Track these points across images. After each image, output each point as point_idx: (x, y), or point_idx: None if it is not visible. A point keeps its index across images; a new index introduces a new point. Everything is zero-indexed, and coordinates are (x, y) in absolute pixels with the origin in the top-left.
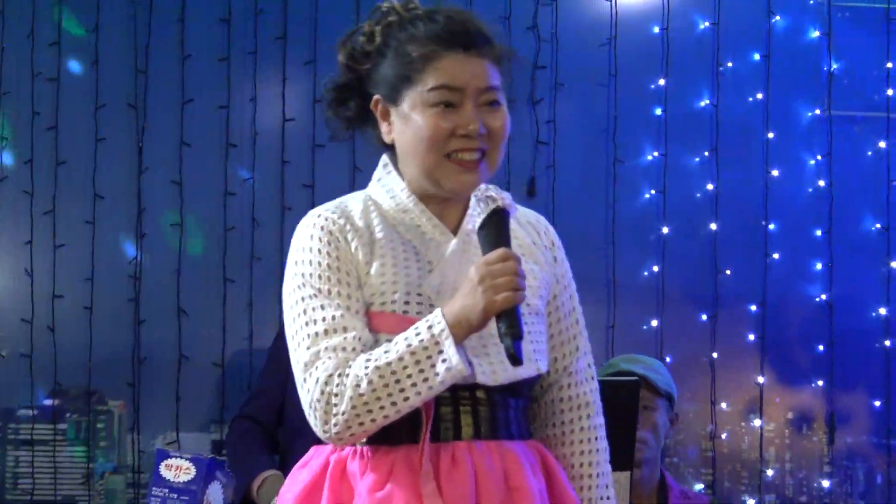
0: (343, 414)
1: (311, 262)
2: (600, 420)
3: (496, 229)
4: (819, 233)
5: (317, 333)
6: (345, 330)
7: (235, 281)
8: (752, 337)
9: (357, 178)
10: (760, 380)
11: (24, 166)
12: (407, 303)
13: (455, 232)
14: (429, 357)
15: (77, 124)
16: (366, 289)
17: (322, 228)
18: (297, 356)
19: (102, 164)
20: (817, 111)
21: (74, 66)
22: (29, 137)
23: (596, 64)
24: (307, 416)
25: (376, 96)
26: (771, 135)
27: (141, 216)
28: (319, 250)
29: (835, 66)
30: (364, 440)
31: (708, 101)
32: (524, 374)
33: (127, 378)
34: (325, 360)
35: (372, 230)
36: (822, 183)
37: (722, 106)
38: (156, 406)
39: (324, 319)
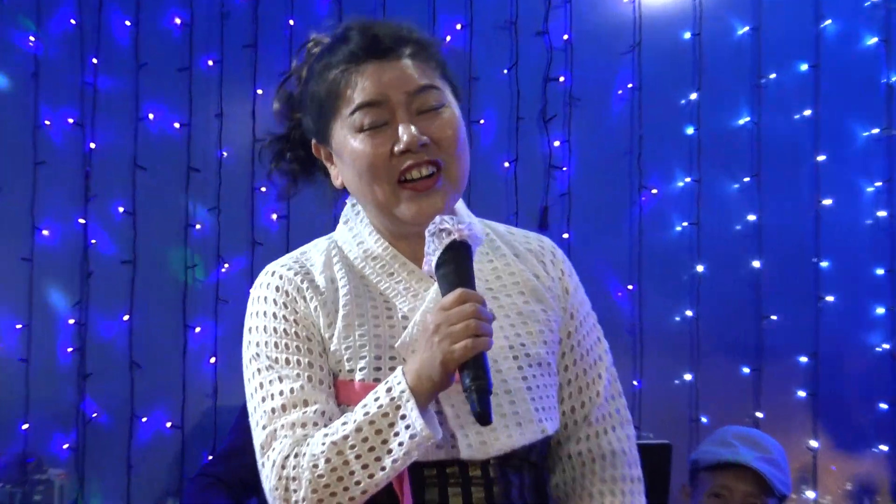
0: (304, 500)
1: (265, 329)
2: (633, 472)
3: (453, 267)
4: (880, 271)
5: (273, 410)
6: (305, 404)
7: (198, 328)
8: (802, 394)
9: (338, 207)
10: (813, 444)
11: None
12: (378, 368)
13: None
14: (390, 424)
15: (14, 145)
16: (331, 355)
17: (277, 289)
18: (256, 437)
19: (42, 192)
20: (875, 130)
21: (6, 78)
22: None
23: (617, 75)
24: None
25: (313, 141)
26: (822, 157)
27: (87, 252)
28: (274, 314)
29: (895, 77)
30: None
31: (748, 119)
32: (523, 441)
33: (70, 442)
34: (282, 440)
35: (336, 285)
36: (882, 213)
37: (764, 124)
38: (104, 475)
39: (281, 394)
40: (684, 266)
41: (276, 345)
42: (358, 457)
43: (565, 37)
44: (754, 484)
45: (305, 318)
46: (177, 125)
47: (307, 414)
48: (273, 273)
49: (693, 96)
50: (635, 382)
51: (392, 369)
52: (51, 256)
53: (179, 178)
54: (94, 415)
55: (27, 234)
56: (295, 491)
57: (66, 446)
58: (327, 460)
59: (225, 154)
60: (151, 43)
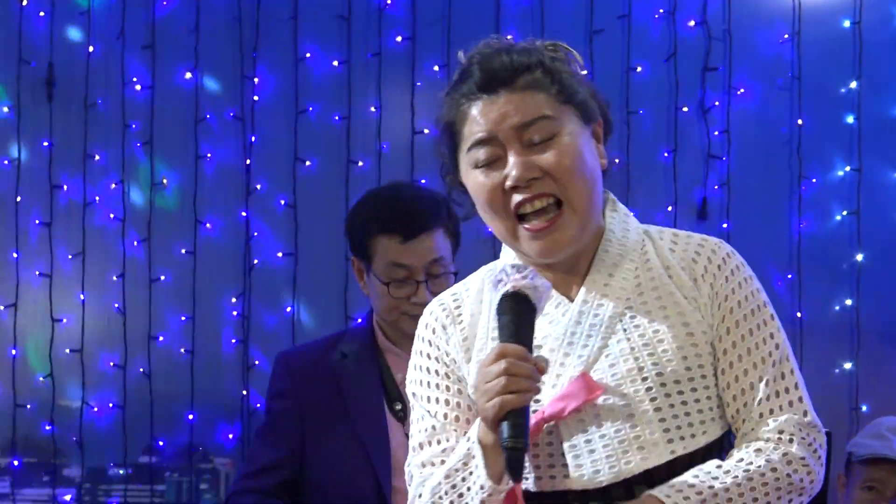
0: None
1: (414, 366)
2: (787, 459)
3: (507, 318)
4: None
5: (413, 448)
6: (439, 443)
7: (360, 319)
8: None
9: None
10: None
11: (115, 188)
12: None
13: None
14: (469, 473)
15: (175, 140)
16: (468, 388)
17: (426, 326)
18: (409, 461)
19: (205, 185)
20: None
21: (175, 71)
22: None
23: (776, 64)
24: None
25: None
26: None
27: (249, 245)
28: (420, 351)
29: None
30: None
31: None
32: (645, 465)
33: (235, 431)
34: (415, 478)
35: (480, 315)
36: None
37: None
38: None
39: (419, 432)
40: (844, 255)
41: (419, 382)
42: (440, 498)
43: (724, 27)
44: None
45: (446, 354)
46: (336, 118)
47: (435, 452)
48: (429, 311)
49: (853, 85)
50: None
51: None
52: (214, 250)
53: (340, 171)
54: (258, 405)
55: (190, 227)
56: None
57: (231, 436)
58: (420, 495)
59: (384, 146)
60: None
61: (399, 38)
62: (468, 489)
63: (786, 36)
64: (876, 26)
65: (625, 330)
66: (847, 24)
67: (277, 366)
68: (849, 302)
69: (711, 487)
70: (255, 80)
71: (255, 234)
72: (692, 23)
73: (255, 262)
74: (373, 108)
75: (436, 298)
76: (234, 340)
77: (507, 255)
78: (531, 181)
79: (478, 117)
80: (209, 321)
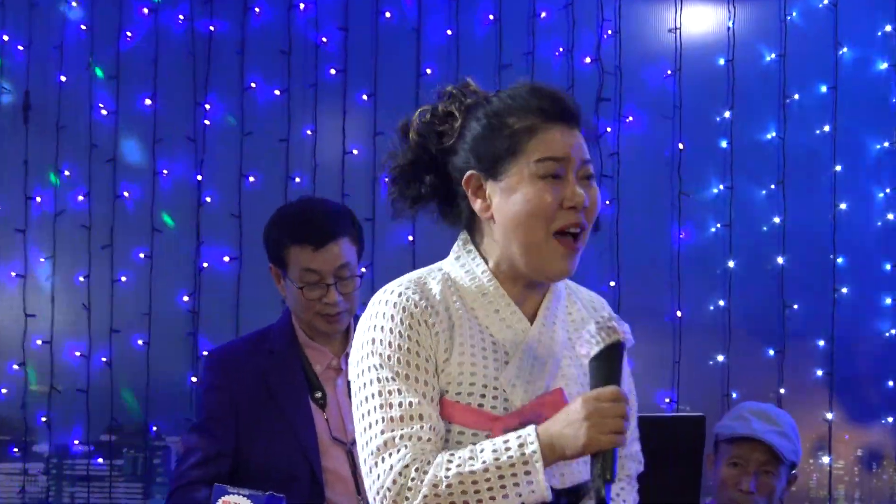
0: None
1: (390, 344)
2: (630, 495)
3: (610, 364)
4: (888, 267)
5: (392, 418)
6: (420, 418)
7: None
8: (820, 373)
9: (419, 214)
10: (829, 416)
11: (82, 200)
12: (483, 395)
13: (532, 320)
14: (514, 475)
15: (135, 157)
16: (442, 376)
17: (404, 309)
18: (369, 438)
19: (161, 198)
20: (886, 143)
21: (137, 97)
22: (87, 172)
23: (660, 96)
24: (370, 499)
25: (470, 172)
26: (839, 167)
27: (199, 250)
28: (400, 332)
29: None
30: None
31: (774, 134)
32: (584, 477)
33: (184, 413)
34: (402, 449)
35: (451, 314)
36: (890, 216)
37: (789, 138)
38: None
39: (400, 405)
40: (718, 262)
41: (398, 360)
42: (476, 491)
43: (615, 63)
44: (767, 454)
45: (426, 340)
46: (279, 141)
47: (423, 429)
48: (400, 294)
49: (727, 114)
50: (676, 362)
51: (494, 398)
52: (169, 253)
53: (279, 185)
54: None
55: (148, 234)
56: (407, 499)
57: (181, 418)
58: (449, 485)
59: (318, 164)
60: (255, 69)
61: (333, 71)
62: (514, 486)
63: (669, 72)
64: (747, 63)
65: (570, 357)
66: (722, 61)
67: (210, 363)
68: (722, 303)
69: None
70: (207, 106)
71: (205, 240)
72: (588, 59)
73: (205, 265)
74: (309, 132)
75: (399, 285)
76: (185, 333)
77: (471, 262)
78: (584, 208)
79: (558, 137)
80: (164, 316)
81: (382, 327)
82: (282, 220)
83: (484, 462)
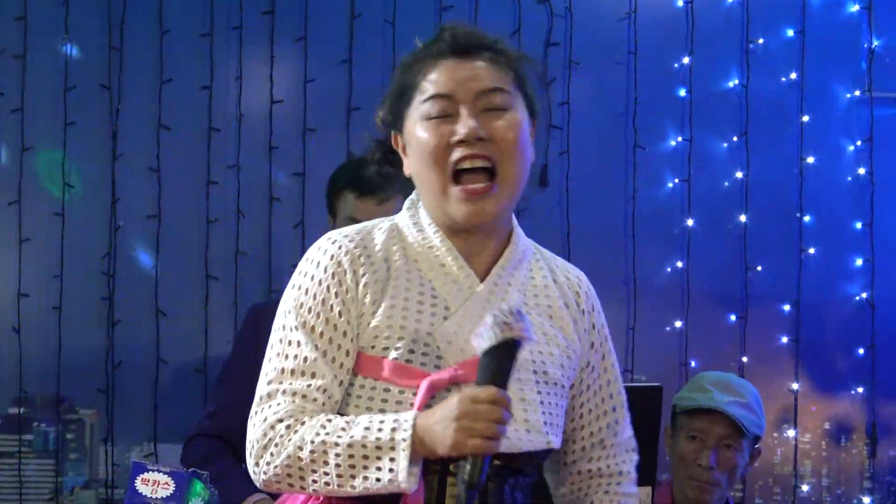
0: (275, 467)
1: (307, 291)
2: (632, 490)
3: (499, 362)
4: (859, 225)
5: (283, 370)
6: (312, 376)
7: (218, 278)
8: (785, 339)
9: None
10: (795, 386)
11: None
12: (412, 351)
13: (483, 277)
14: (378, 458)
15: (45, 107)
16: (368, 330)
17: (332, 258)
18: (259, 384)
19: (73, 151)
20: (857, 92)
21: (42, 42)
22: None
23: (614, 41)
24: (246, 448)
25: (392, 133)
26: (806, 118)
27: (115, 207)
28: (321, 281)
29: (876, 42)
30: None
31: (737, 82)
32: (531, 447)
33: (100, 384)
34: (281, 402)
35: (390, 265)
36: (861, 171)
37: (752, 87)
38: (131, 415)
39: (295, 357)
40: (676, 220)
41: (310, 310)
42: (338, 465)
43: (565, 5)
44: (728, 427)
45: (347, 293)
46: (199, 87)
47: (311, 387)
48: (334, 241)
49: (685, 60)
50: (631, 329)
51: (425, 355)
52: (81, 211)
53: (202, 138)
54: (121, 360)
55: (59, 190)
56: (272, 455)
57: (96, 389)
58: (312, 451)
59: (244, 115)
60: (174, 10)
61: (260, 13)
62: (367, 472)
63: (624, 14)
64: (707, 5)
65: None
66: (680, 3)
67: (247, 316)
68: (680, 264)
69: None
70: (122, 51)
71: (120, 197)
72: (536, 1)
73: (121, 223)
74: (234, 79)
75: (338, 231)
76: (99, 298)
77: (419, 212)
78: (478, 140)
79: (441, 74)
80: (76, 279)
81: (306, 273)
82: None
83: (352, 437)
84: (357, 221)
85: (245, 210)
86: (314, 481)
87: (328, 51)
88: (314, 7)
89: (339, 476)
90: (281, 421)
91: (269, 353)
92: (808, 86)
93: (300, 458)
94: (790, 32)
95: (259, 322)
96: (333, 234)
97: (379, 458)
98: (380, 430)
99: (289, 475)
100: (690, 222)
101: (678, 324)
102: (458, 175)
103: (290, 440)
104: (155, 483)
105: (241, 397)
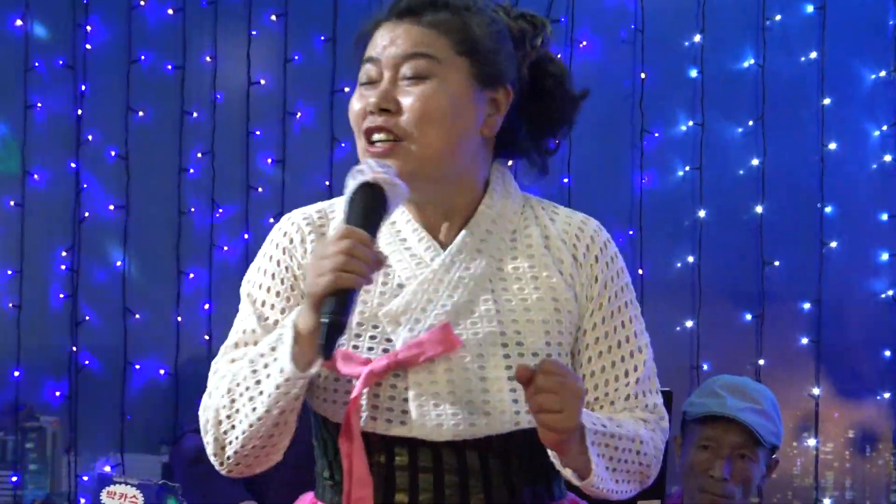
0: (210, 427)
1: (258, 269)
2: (647, 434)
3: (356, 206)
4: (885, 217)
5: (228, 345)
6: (255, 344)
7: (192, 275)
8: (805, 340)
9: (336, 152)
10: (815, 391)
11: None
12: (359, 335)
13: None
14: (270, 357)
15: (2, 88)
16: None
17: (285, 234)
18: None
19: (34, 136)
20: (882, 73)
21: (4, 17)
22: None
23: (619, 16)
24: None
25: None
26: (827, 101)
27: (79, 197)
28: (271, 256)
29: None
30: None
31: (752, 62)
32: (489, 431)
33: (62, 389)
34: (221, 371)
35: None
36: (887, 158)
37: (769, 67)
38: (97, 422)
39: (243, 332)
40: (686, 212)
41: (259, 286)
42: (247, 388)
43: None
44: (743, 435)
45: (297, 268)
46: (169, 67)
47: (249, 352)
48: (289, 219)
49: (697, 38)
50: (637, 304)
51: (372, 338)
52: (42, 202)
53: (173, 122)
54: (87, 362)
55: (18, 178)
56: (207, 420)
57: (58, 394)
58: (228, 390)
59: (219, 97)
60: None
61: None
62: (268, 376)
63: None
64: None
65: (493, 291)
66: None
67: None
68: (690, 259)
69: (606, 426)
70: (88, 27)
71: (86, 185)
72: None
73: (86, 214)
74: (208, 58)
75: (299, 210)
76: (62, 295)
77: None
78: (383, 112)
79: (376, 38)
80: (37, 275)
81: (263, 251)
82: None
83: (248, 355)
84: None
85: (220, 200)
86: (239, 422)
87: (310, 27)
88: None
89: (250, 399)
90: (214, 374)
91: (233, 328)
92: (830, 66)
93: (222, 400)
94: (810, 8)
95: None
96: (294, 213)
97: (276, 360)
98: (272, 334)
99: (224, 432)
100: (702, 213)
101: (689, 323)
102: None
103: (212, 394)
104: (122, 497)
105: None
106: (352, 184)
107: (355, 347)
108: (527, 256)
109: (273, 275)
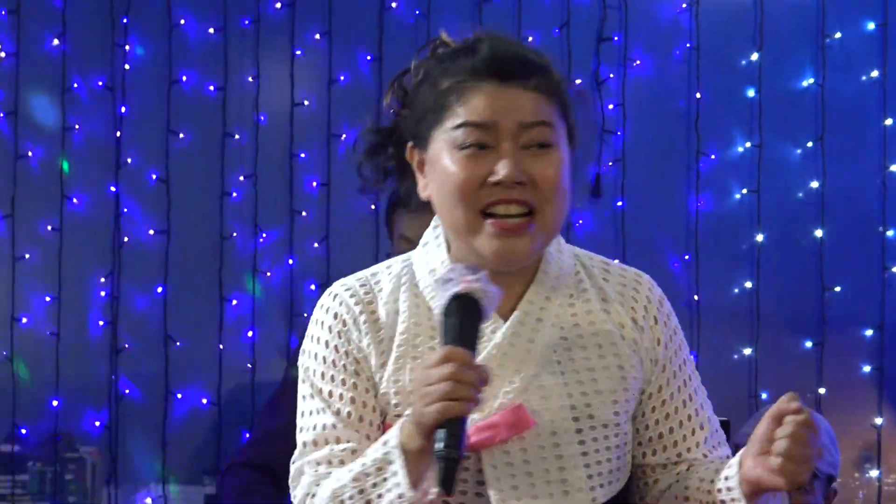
0: None
1: (315, 356)
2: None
3: (453, 321)
4: None
5: (304, 444)
6: (336, 441)
7: (234, 301)
8: (867, 368)
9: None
10: (878, 421)
11: None
12: None
13: (508, 318)
14: (383, 479)
15: (43, 107)
16: (380, 396)
17: (336, 316)
18: (292, 465)
19: (73, 159)
20: None
21: (42, 37)
22: None
23: (674, 34)
24: None
25: (409, 144)
26: (889, 121)
27: (119, 221)
28: (327, 342)
29: None
30: None
31: (812, 81)
32: None
33: (102, 419)
34: (306, 476)
35: (396, 318)
36: None
37: (829, 86)
38: (138, 453)
39: (314, 428)
40: (744, 235)
41: (322, 375)
42: None
43: None
44: None
45: (358, 351)
46: (211, 88)
47: (334, 451)
48: (335, 297)
49: (754, 57)
50: (691, 357)
51: None
52: (81, 226)
53: (215, 144)
54: (127, 391)
55: (57, 202)
56: None
57: (98, 423)
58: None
59: (262, 118)
60: (184, 3)
61: (278, 5)
62: (379, 496)
63: (684, 5)
64: None
65: (559, 362)
66: None
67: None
68: (748, 284)
69: None
70: (126, 47)
71: (125, 210)
72: None
73: (126, 239)
74: (251, 79)
75: (341, 284)
76: (101, 322)
77: (435, 249)
78: (517, 185)
79: (481, 99)
80: (76, 302)
81: (312, 336)
82: None
83: (351, 471)
84: (409, 241)
85: (263, 225)
86: None
87: (355, 47)
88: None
89: None
90: (307, 495)
91: (298, 424)
92: (892, 85)
93: None
94: (871, 25)
95: None
96: (335, 289)
97: (385, 480)
98: (375, 450)
99: None
100: (760, 237)
101: (747, 351)
102: (487, 211)
103: None
104: None
105: (288, 422)
106: (441, 295)
107: None
108: (588, 322)
109: (333, 362)
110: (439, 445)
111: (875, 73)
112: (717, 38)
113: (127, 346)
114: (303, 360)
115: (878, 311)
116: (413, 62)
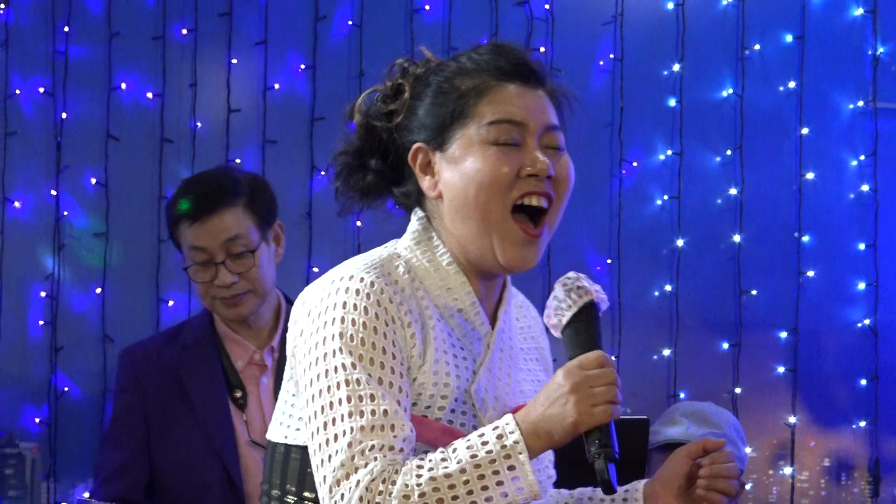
0: None
1: (363, 341)
2: None
3: (587, 326)
4: (862, 246)
5: (362, 427)
6: (393, 428)
7: (171, 302)
8: (781, 369)
9: (315, 180)
10: (792, 420)
11: None
12: (453, 411)
13: (492, 323)
14: (495, 472)
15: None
16: (415, 386)
17: (378, 303)
18: (334, 450)
19: (13, 164)
20: (860, 103)
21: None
22: None
23: (598, 46)
24: None
25: (417, 145)
26: (805, 130)
27: (59, 224)
28: (375, 329)
29: (881, 49)
30: None
31: (731, 91)
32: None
33: (42, 416)
34: (370, 462)
35: (422, 311)
36: (865, 187)
37: (747, 96)
38: (76, 449)
39: (373, 413)
40: (664, 240)
41: (371, 361)
42: (455, 497)
43: (546, 6)
44: None
45: (403, 341)
46: (150, 95)
47: (397, 439)
48: (372, 284)
49: (675, 67)
50: (613, 357)
51: (464, 413)
52: (22, 228)
53: (153, 150)
54: (66, 389)
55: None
56: None
57: (37, 420)
58: (422, 493)
59: (199, 125)
60: (124, 11)
61: (216, 14)
62: (497, 485)
63: (609, 17)
64: (699, 8)
65: (525, 370)
66: (671, 5)
67: (120, 364)
68: (668, 288)
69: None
70: (67, 55)
71: (66, 213)
72: (514, 3)
73: (65, 242)
74: (188, 86)
75: (368, 271)
76: (41, 322)
77: (416, 254)
78: (547, 178)
79: (514, 98)
80: (15, 303)
81: (353, 320)
82: (173, 194)
83: (459, 462)
84: (200, 250)
85: None
86: None
87: (290, 56)
88: (275, 9)
89: None
90: (374, 480)
91: (332, 412)
92: (808, 96)
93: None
94: (789, 38)
95: (137, 370)
96: (354, 272)
97: (497, 473)
98: (484, 444)
99: None
100: (680, 242)
101: (666, 352)
102: (516, 211)
103: (391, 494)
104: None
105: (134, 454)
106: (574, 301)
107: (450, 422)
108: (530, 336)
109: (384, 349)
110: (597, 446)
111: (792, 84)
112: (640, 49)
113: (65, 346)
114: (342, 344)
115: (793, 315)
116: (387, 84)
